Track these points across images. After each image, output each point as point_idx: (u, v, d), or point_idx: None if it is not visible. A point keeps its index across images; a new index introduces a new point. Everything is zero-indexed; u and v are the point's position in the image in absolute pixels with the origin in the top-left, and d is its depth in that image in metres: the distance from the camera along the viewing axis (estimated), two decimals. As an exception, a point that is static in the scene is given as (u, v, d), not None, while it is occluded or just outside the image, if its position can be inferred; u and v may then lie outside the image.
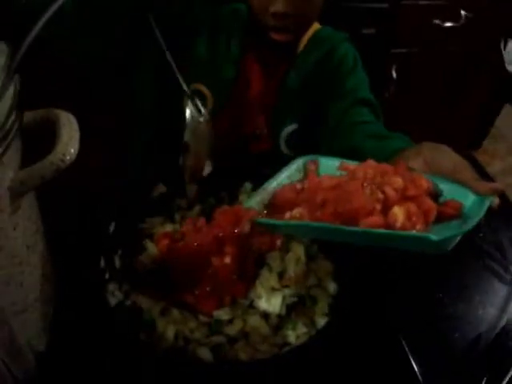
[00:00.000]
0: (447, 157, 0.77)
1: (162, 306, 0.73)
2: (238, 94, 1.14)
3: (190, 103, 0.89)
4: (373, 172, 0.73)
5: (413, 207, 0.67)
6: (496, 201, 0.68)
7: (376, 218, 0.66)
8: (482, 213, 0.64)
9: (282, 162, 1.00)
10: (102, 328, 0.70)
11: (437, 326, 0.83)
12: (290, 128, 1.16)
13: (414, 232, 0.64)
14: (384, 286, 0.86)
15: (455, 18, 2.06)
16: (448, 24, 2.06)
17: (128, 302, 0.74)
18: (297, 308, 0.75)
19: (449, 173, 0.74)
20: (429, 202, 0.68)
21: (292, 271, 0.79)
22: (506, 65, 2.25)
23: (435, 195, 0.72)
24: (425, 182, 0.71)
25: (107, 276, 0.76)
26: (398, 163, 0.77)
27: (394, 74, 2.11)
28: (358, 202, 0.67)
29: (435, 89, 2.29)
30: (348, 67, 1.15)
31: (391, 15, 1.99)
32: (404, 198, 0.69)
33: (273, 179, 0.82)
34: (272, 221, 0.73)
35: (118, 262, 0.79)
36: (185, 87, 0.89)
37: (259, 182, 0.86)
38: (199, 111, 0.90)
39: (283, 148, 1.17)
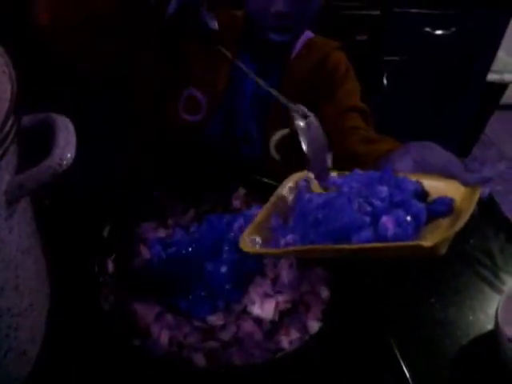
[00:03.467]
0: (435, 154, 0.79)
1: (156, 311, 0.72)
2: (230, 99, 1.15)
3: (295, 115, 0.89)
4: (358, 185, 0.74)
5: (401, 213, 0.66)
6: (485, 191, 0.68)
7: (367, 233, 0.65)
8: (473, 205, 0.64)
9: (271, 167, 1.01)
10: (96, 333, 0.70)
11: (428, 330, 0.84)
12: (281, 133, 1.17)
13: (404, 242, 0.63)
14: (376, 292, 0.87)
15: (445, 25, 2.08)
16: (438, 32, 2.09)
17: (122, 307, 0.73)
18: (290, 314, 0.75)
19: (438, 169, 0.75)
20: (417, 205, 0.67)
21: (285, 277, 0.79)
22: (491, 74, 2.27)
23: (423, 195, 0.72)
24: (410, 185, 0.71)
25: (101, 280, 0.76)
26: (383, 168, 0.78)
27: (385, 81, 2.13)
28: (347, 219, 0.66)
29: (425, 96, 2.32)
30: (340, 75, 1.17)
31: (383, 22, 2.01)
32: (392, 205, 0.68)
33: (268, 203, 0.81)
34: (267, 250, 0.74)
35: (111, 267, 0.79)
36: (284, 101, 0.90)
37: (253, 187, 0.87)
38: (305, 117, 0.89)
39: (273, 153, 1.18)
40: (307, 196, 0.76)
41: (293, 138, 1.16)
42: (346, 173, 0.80)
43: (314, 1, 1.02)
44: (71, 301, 0.74)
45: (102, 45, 0.97)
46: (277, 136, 1.17)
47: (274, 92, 0.90)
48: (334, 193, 0.74)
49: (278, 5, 0.97)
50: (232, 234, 0.79)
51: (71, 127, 0.58)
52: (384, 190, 0.70)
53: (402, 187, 0.71)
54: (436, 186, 0.73)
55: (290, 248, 0.70)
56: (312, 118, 0.89)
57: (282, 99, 0.89)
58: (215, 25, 0.96)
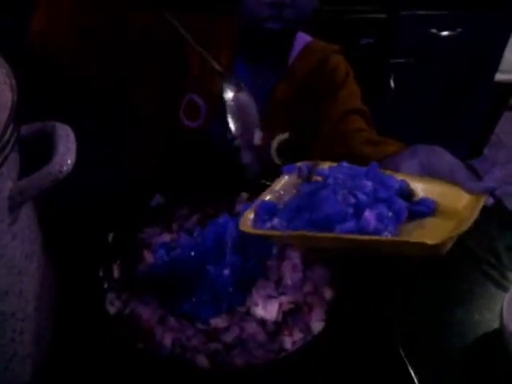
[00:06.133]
0: (442, 159, 0.80)
1: (159, 315, 0.73)
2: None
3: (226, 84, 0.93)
4: (343, 177, 0.76)
5: (384, 209, 0.69)
6: (489, 200, 0.70)
7: (350, 224, 0.67)
8: (476, 213, 0.66)
9: (273, 171, 1.02)
10: (101, 337, 0.71)
11: (434, 330, 0.84)
12: (281, 137, 1.18)
13: (410, 239, 0.65)
14: (380, 293, 0.87)
15: (451, 26, 2.08)
16: (445, 33, 2.08)
17: (127, 311, 0.74)
18: (293, 314, 0.75)
19: (444, 175, 0.76)
20: (399, 202, 0.70)
21: (288, 279, 0.80)
22: (499, 74, 2.26)
23: (407, 194, 0.75)
24: (395, 183, 0.75)
25: (106, 285, 0.77)
26: (370, 165, 0.79)
27: (392, 84, 2.13)
28: (332, 209, 0.69)
29: (434, 97, 2.31)
30: (340, 78, 1.19)
31: (390, 25, 2.02)
32: (375, 200, 0.71)
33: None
34: (254, 231, 0.75)
35: (116, 272, 0.80)
36: (216, 66, 0.95)
37: (256, 191, 0.87)
38: (237, 85, 0.93)
39: (274, 157, 1.19)
40: (300, 185, 0.80)
41: (293, 141, 1.18)
42: (334, 164, 0.82)
43: None
44: (76, 305, 0.75)
45: (97, 55, 0.99)
46: (277, 140, 1.18)
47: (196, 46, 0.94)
48: (319, 183, 0.77)
49: None
50: (234, 237, 0.79)
51: (71, 134, 0.59)
52: (369, 184, 0.73)
53: (387, 184, 0.74)
54: (442, 190, 0.74)
55: (286, 232, 0.72)
56: (244, 90, 0.94)
57: (215, 65, 0.95)
58: None
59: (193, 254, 0.78)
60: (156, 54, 1.09)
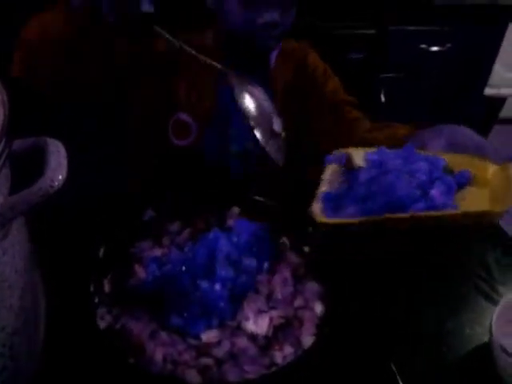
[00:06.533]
0: (468, 136, 0.89)
1: (150, 330, 0.73)
2: (221, 118, 1.17)
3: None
4: (399, 161, 0.83)
5: (442, 186, 0.78)
6: None
7: (421, 204, 0.75)
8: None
9: (273, 173, 1.04)
10: (91, 352, 0.70)
11: (424, 344, 0.84)
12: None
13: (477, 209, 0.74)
14: (371, 306, 0.87)
15: (441, 42, 2.10)
16: (434, 48, 2.11)
17: (117, 326, 0.74)
18: (284, 329, 0.76)
19: (471, 150, 0.84)
20: (449, 178, 0.79)
21: (279, 293, 0.80)
22: (488, 88, 2.29)
23: (449, 170, 0.83)
24: (441, 161, 0.82)
25: (97, 300, 0.77)
26: (406, 147, 0.86)
27: (383, 98, 2.15)
28: (403, 191, 0.76)
29: (424, 111, 2.33)
30: (321, 75, 1.23)
31: (379, 41, 2.04)
32: (431, 178, 0.79)
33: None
34: (335, 221, 0.77)
35: (107, 286, 0.80)
36: (218, 65, 0.93)
37: (247, 205, 0.88)
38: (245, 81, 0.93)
39: (272, 157, 1.20)
40: (353, 172, 0.85)
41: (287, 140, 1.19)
42: (371, 149, 0.88)
43: (292, 10, 1.06)
44: (67, 320, 0.74)
45: (77, 74, 0.98)
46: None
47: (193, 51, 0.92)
48: (377, 169, 0.83)
49: (267, 15, 1.01)
50: (225, 251, 0.80)
51: (63, 150, 0.59)
52: (425, 165, 0.81)
53: (435, 164, 0.82)
54: (466, 162, 0.83)
55: (370, 217, 0.76)
56: (254, 85, 0.94)
57: (216, 64, 0.93)
58: (151, 7, 0.89)
59: (184, 268, 0.79)
60: (143, 81, 1.10)
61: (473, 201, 0.78)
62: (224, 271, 0.78)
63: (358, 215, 0.77)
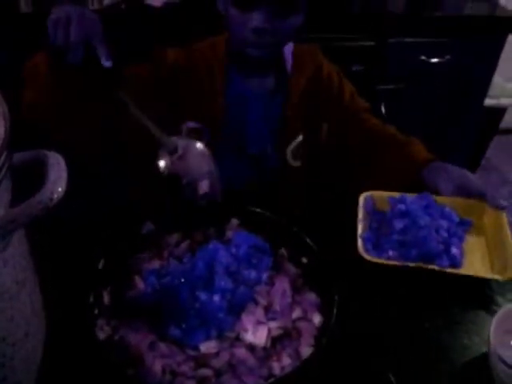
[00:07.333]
0: (472, 182, 1.06)
1: (149, 341, 0.74)
2: (233, 121, 1.18)
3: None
4: (422, 214, 0.99)
5: (458, 243, 0.98)
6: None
7: (446, 260, 0.94)
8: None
9: (291, 175, 1.18)
10: (90, 363, 0.71)
11: (422, 355, 0.84)
12: (296, 141, 1.21)
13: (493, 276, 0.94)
14: (369, 318, 0.88)
15: (440, 53, 2.11)
16: (434, 60, 2.12)
17: (116, 337, 0.75)
18: (282, 340, 0.76)
19: (474, 194, 1.04)
20: (462, 233, 1.01)
21: (278, 305, 0.81)
22: (488, 99, 2.29)
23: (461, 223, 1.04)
24: (455, 216, 1.02)
25: (96, 311, 0.77)
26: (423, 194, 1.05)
27: (384, 110, 2.15)
28: (431, 246, 0.94)
29: (424, 123, 2.33)
30: (337, 77, 1.26)
31: (379, 53, 2.05)
32: (449, 234, 0.99)
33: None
34: (381, 260, 0.95)
35: (106, 298, 0.81)
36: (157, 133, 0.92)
37: (246, 217, 0.89)
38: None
39: (290, 161, 1.22)
40: (389, 218, 1.03)
41: (307, 143, 1.21)
42: (392, 194, 1.07)
43: (291, 18, 1.06)
44: (67, 331, 0.75)
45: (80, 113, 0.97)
46: (292, 145, 1.21)
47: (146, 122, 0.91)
48: (407, 219, 1.00)
49: (256, 21, 1.01)
50: (224, 263, 0.80)
51: (62, 163, 0.60)
52: (445, 223, 0.99)
53: (451, 219, 1.01)
54: (466, 206, 1.05)
55: (411, 264, 0.94)
56: (190, 144, 0.95)
57: (155, 131, 0.92)
58: (109, 63, 0.87)
59: (183, 280, 0.79)
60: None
61: (474, 254, 1.01)
62: (223, 282, 0.78)
63: (397, 259, 0.96)
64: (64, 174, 0.59)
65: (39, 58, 0.91)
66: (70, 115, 0.95)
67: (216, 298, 0.77)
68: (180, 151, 0.93)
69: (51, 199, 0.56)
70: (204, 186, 0.93)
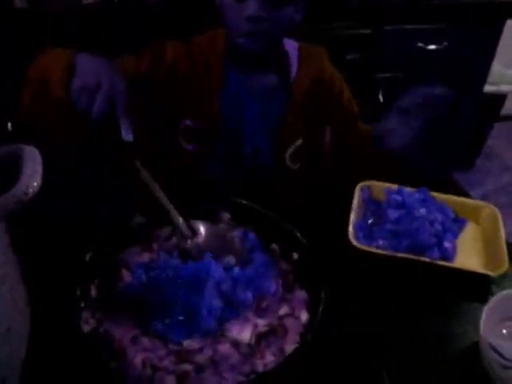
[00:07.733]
0: None
1: (132, 335, 0.73)
2: (230, 118, 1.17)
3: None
4: (419, 206, 1.02)
5: (452, 237, 1.01)
6: None
7: (437, 252, 0.96)
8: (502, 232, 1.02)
9: (289, 176, 1.18)
10: (74, 356, 0.70)
11: (415, 344, 0.84)
12: (296, 144, 1.20)
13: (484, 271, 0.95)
14: (360, 308, 0.88)
15: (438, 40, 2.09)
16: (431, 47, 2.10)
17: (101, 330, 0.74)
18: (268, 337, 0.75)
19: None
20: (455, 228, 1.06)
21: (266, 303, 0.80)
22: (487, 85, 2.27)
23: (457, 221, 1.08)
24: (450, 211, 1.06)
25: (82, 304, 0.77)
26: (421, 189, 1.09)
27: (381, 98, 2.14)
28: (423, 238, 0.96)
29: (423, 111, 2.31)
30: (338, 81, 1.26)
31: (376, 40, 2.03)
32: (444, 228, 1.01)
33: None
34: (370, 248, 0.95)
35: (94, 291, 0.80)
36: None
37: (237, 211, 0.88)
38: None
39: (288, 163, 1.22)
40: (379, 206, 1.07)
41: (306, 147, 1.20)
42: (389, 185, 1.11)
43: (286, 8, 1.04)
44: (52, 325, 0.75)
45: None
46: (292, 149, 1.21)
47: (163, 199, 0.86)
48: (402, 210, 1.03)
49: (250, 9, 1.00)
50: (217, 278, 0.79)
51: (38, 157, 0.60)
52: (440, 217, 1.02)
53: (446, 213, 1.05)
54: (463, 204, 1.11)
55: (396, 254, 0.95)
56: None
57: (174, 215, 0.86)
58: (130, 137, 0.84)
59: (170, 275, 0.78)
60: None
61: (468, 251, 1.02)
62: (214, 301, 0.77)
63: (387, 248, 0.96)
64: (39, 169, 0.58)
65: (53, 72, 0.84)
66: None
67: (204, 311, 0.75)
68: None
69: (26, 193, 0.56)
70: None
